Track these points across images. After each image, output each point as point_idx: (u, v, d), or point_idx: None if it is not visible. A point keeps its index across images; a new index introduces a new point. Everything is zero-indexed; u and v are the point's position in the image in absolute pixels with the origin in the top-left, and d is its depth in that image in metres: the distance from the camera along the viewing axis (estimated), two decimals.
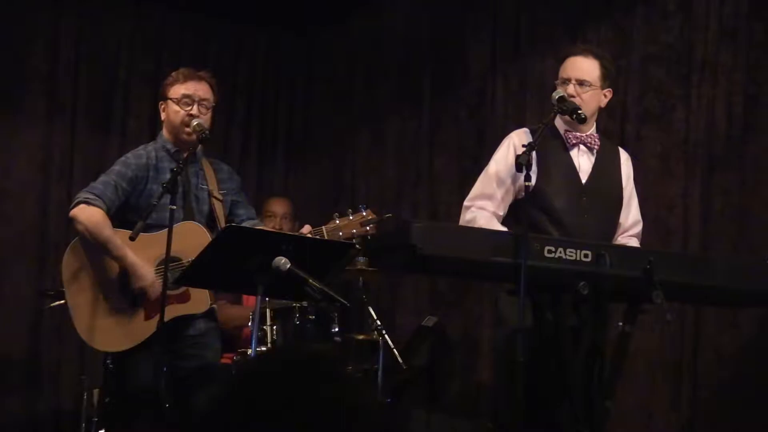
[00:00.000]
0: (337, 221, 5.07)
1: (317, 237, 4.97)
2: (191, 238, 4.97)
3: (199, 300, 5.09)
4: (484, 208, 5.07)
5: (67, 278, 5.08)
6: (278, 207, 7.66)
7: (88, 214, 5.00)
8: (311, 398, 1.78)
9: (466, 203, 5.18)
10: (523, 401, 4.39)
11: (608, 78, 5.19)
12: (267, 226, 6.62)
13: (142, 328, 4.99)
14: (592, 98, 5.12)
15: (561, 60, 5.21)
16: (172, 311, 4.99)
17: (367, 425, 1.81)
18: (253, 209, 5.55)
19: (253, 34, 9.08)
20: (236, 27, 8.98)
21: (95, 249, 5.04)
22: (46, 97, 8.01)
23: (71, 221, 5.08)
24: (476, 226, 4.98)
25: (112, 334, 5.05)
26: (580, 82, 5.08)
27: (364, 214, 5.10)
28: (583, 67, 5.11)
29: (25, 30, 7.95)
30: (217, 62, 8.68)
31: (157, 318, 4.82)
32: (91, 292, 5.05)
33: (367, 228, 5.07)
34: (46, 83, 8.02)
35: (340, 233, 5.04)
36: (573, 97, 5.04)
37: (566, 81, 5.09)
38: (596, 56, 5.16)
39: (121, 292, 5.04)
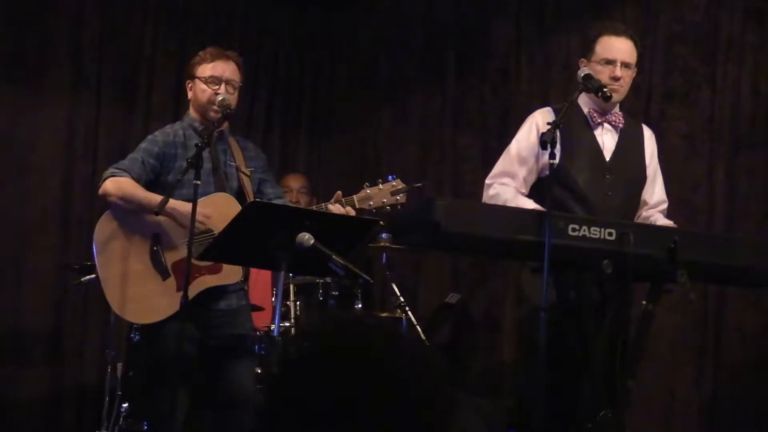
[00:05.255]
0: (368, 190, 5.07)
1: (341, 213, 4.97)
2: (222, 209, 4.98)
3: (232, 270, 5.09)
4: (506, 185, 5.08)
5: (98, 251, 5.09)
6: (294, 182, 7.74)
7: (116, 184, 5.03)
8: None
9: (487, 181, 5.19)
10: (545, 379, 4.39)
11: (639, 59, 5.22)
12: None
13: (175, 299, 4.99)
14: (631, 79, 5.14)
15: (594, 37, 5.17)
16: (204, 282, 5.01)
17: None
18: (280, 188, 5.58)
19: (277, 10, 9.08)
20: (261, 3, 8.97)
21: (126, 220, 5.06)
22: (71, 72, 8.02)
23: (103, 198, 5.10)
24: (500, 201, 4.99)
25: (144, 306, 5.06)
26: (626, 65, 5.09)
27: (394, 183, 5.11)
28: (627, 50, 5.11)
29: (50, 5, 7.96)
30: (241, 38, 8.68)
31: (188, 289, 4.84)
32: (122, 264, 5.06)
33: (398, 197, 5.07)
34: (71, 59, 8.02)
35: (371, 202, 5.04)
36: (619, 79, 5.05)
37: (611, 62, 5.07)
38: (632, 37, 5.16)
39: (153, 263, 5.06)
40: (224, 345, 5.13)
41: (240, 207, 4.95)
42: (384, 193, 5.08)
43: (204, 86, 5.22)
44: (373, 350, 1.77)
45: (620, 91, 5.09)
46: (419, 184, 5.30)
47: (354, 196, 5.05)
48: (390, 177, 5.15)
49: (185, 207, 4.93)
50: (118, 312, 5.10)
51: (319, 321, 1.90)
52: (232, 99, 5.21)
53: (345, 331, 1.82)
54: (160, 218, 4.99)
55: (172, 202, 4.94)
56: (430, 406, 1.75)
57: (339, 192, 5.05)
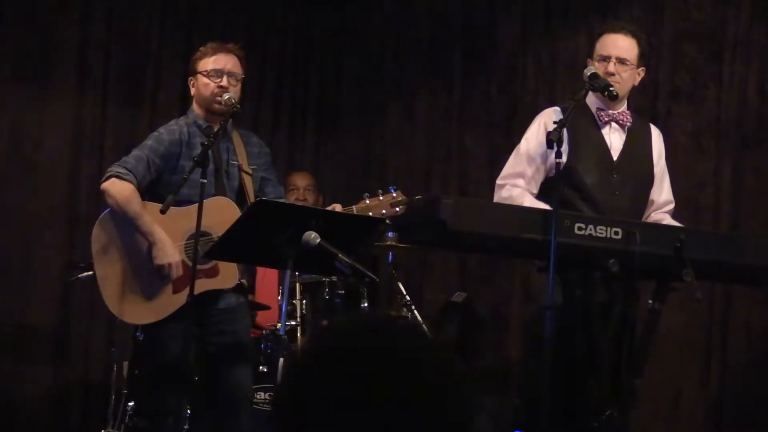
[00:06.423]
0: (368, 201, 5.08)
1: (347, 212, 4.98)
2: (221, 214, 4.98)
3: (228, 275, 5.11)
4: (517, 185, 5.08)
5: (96, 250, 5.11)
6: (300, 180, 7.69)
7: (119, 189, 5.02)
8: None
9: (499, 182, 5.19)
10: (551, 378, 4.39)
11: (644, 57, 5.20)
12: (290, 200, 6.65)
13: (170, 301, 5.02)
14: (630, 77, 5.13)
15: (597, 36, 5.20)
16: (200, 286, 5.00)
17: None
18: (281, 188, 5.57)
19: (284, 8, 9.07)
20: (268, 1, 8.97)
21: (125, 222, 5.06)
22: (78, 70, 8.03)
23: (102, 193, 5.11)
24: (513, 203, 4.99)
25: (139, 307, 5.07)
26: (621, 60, 5.08)
27: (394, 195, 5.11)
28: (624, 46, 5.10)
29: (57, 3, 7.97)
30: (248, 36, 8.67)
31: (184, 292, 4.87)
32: (120, 264, 5.07)
33: (397, 209, 5.08)
34: (77, 56, 8.03)
35: (370, 213, 5.05)
36: (613, 74, 5.04)
37: (606, 58, 5.07)
38: (634, 35, 5.15)
39: (150, 265, 5.06)
40: (223, 344, 5.15)
41: (239, 212, 4.96)
42: (383, 204, 5.09)
43: (206, 80, 5.21)
44: (406, 351, 1.76)
45: (616, 86, 5.06)
46: (419, 197, 5.31)
47: (353, 207, 5.06)
48: (391, 188, 5.16)
49: (170, 247, 4.96)
50: (114, 312, 5.12)
51: (354, 319, 1.88)
52: (235, 91, 5.20)
53: (376, 330, 1.80)
54: (158, 221, 4.99)
55: (162, 236, 4.96)
56: (460, 410, 1.74)
57: (338, 205, 5.06)
